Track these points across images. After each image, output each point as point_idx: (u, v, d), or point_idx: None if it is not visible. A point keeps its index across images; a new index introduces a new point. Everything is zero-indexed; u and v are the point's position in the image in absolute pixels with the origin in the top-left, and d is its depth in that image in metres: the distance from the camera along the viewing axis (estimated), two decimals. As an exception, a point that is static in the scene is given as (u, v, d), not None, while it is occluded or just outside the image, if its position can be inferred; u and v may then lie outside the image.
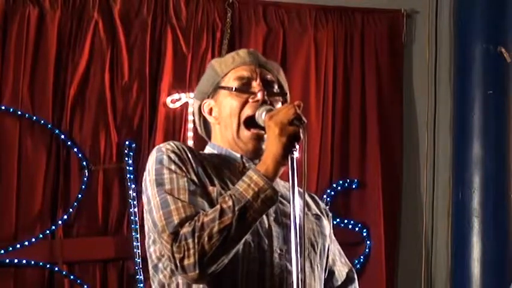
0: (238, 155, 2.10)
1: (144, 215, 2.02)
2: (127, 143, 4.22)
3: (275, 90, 2.13)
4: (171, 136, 4.31)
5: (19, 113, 4.10)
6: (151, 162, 2.01)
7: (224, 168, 2.06)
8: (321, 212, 2.20)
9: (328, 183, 4.54)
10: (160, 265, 2.01)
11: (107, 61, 4.25)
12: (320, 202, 2.26)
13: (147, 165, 2.02)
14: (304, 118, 1.91)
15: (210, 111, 2.16)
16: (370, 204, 4.61)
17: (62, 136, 4.15)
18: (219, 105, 2.13)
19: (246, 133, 2.08)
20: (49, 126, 4.14)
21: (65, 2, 4.21)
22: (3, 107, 4.09)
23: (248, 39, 4.50)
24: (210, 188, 1.96)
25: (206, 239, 1.83)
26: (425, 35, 4.82)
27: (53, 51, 4.18)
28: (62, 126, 4.17)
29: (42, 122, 4.13)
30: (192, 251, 1.83)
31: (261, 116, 2.00)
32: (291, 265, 1.92)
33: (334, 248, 2.23)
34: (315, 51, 4.59)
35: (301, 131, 1.90)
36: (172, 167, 1.96)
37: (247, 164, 2.09)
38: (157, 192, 1.94)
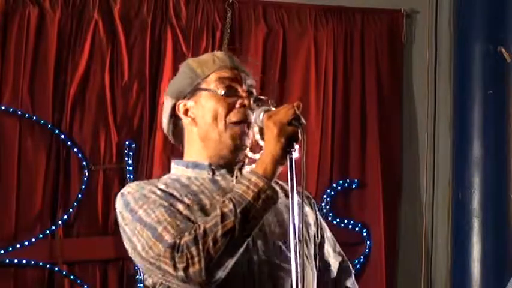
0: (206, 163, 2.08)
1: (133, 258, 2.00)
2: (127, 143, 4.22)
3: (256, 95, 2.10)
4: (171, 136, 4.30)
5: (19, 113, 4.10)
6: (120, 208, 2.02)
7: (192, 185, 2.05)
8: (303, 201, 2.19)
9: (328, 183, 4.53)
10: None
11: (107, 61, 4.25)
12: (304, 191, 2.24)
13: (117, 212, 2.04)
14: (303, 119, 1.91)
15: (186, 112, 2.13)
16: (370, 204, 4.61)
17: (62, 136, 4.15)
18: (200, 108, 2.09)
19: (236, 128, 2.05)
20: (49, 126, 4.14)
21: (65, 2, 4.20)
22: (3, 107, 4.08)
23: (248, 39, 4.50)
24: (180, 206, 1.96)
25: (211, 244, 1.83)
26: (425, 35, 4.82)
27: (53, 51, 4.17)
28: (62, 126, 4.17)
29: (42, 122, 4.13)
30: (196, 259, 1.83)
31: (259, 116, 1.99)
32: (278, 260, 1.95)
33: (327, 237, 2.22)
34: (315, 51, 4.59)
35: (299, 131, 1.90)
36: (140, 202, 1.97)
37: (216, 171, 2.08)
38: (140, 226, 1.93)
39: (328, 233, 2.24)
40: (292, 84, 4.55)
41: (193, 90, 2.12)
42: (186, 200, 1.98)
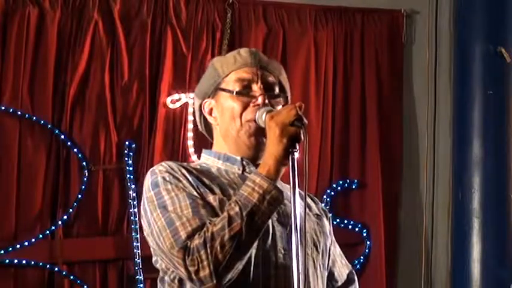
0: (238, 158, 2.10)
1: (146, 238, 2.02)
2: (127, 143, 4.21)
3: (276, 93, 2.13)
4: (171, 136, 4.31)
5: (19, 113, 4.10)
6: (148, 186, 2.01)
7: (222, 177, 2.06)
8: (320, 212, 2.21)
9: (328, 183, 4.54)
10: (166, 278, 2.02)
11: (107, 61, 4.25)
12: (318, 202, 2.27)
13: (144, 188, 2.03)
14: (305, 119, 1.91)
15: (211, 111, 2.17)
16: (370, 204, 4.61)
17: (62, 136, 4.15)
18: (220, 107, 2.13)
19: (251, 125, 2.06)
20: (49, 126, 4.14)
21: (65, 2, 4.20)
22: (3, 107, 4.08)
23: (248, 39, 4.50)
24: (211, 197, 1.96)
25: (218, 248, 1.84)
26: (425, 35, 4.83)
27: (53, 51, 4.17)
28: (62, 126, 4.17)
29: (42, 122, 4.12)
30: (205, 262, 1.84)
31: (262, 116, 2.00)
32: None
33: (334, 249, 2.24)
34: (315, 51, 4.59)
35: (302, 132, 1.90)
36: (169, 186, 1.97)
37: (247, 167, 2.09)
38: (160, 213, 1.94)
39: (337, 246, 2.26)
40: (292, 84, 4.51)
41: (215, 90, 2.15)
42: (217, 191, 1.99)
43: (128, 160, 4.19)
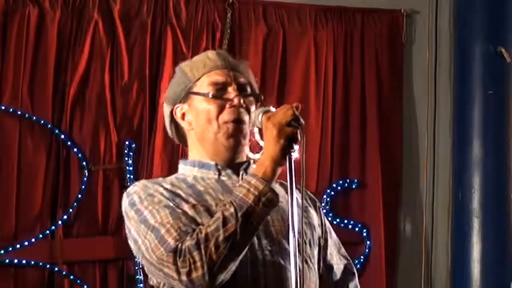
0: (212, 163, 2.09)
1: (136, 255, 2.01)
2: (127, 143, 4.22)
3: (248, 92, 2.12)
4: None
5: (19, 113, 4.10)
6: (126, 208, 2.02)
7: (198, 184, 2.06)
8: (308, 203, 2.19)
9: (328, 183, 4.54)
10: None
11: (107, 61, 4.25)
12: (308, 192, 2.24)
13: (123, 210, 2.04)
14: (302, 119, 1.91)
15: (183, 116, 2.15)
16: (370, 204, 4.61)
17: (62, 136, 4.15)
18: (194, 111, 2.11)
19: (229, 127, 2.06)
20: (49, 126, 4.14)
21: (65, 2, 4.21)
22: (3, 107, 4.08)
23: (248, 39, 4.50)
24: (186, 206, 1.96)
25: (213, 249, 1.83)
26: (425, 35, 4.82)
27: (53, 51, 4.18)
28: (62, 126, 4.17)
29: (42, 122, 4.13)
30: (199, 263, 1.83)
31: (258, 117, 1.99)
32: (284, 261, 1.94)
33: (331, 241, 2.22)
34: (315, 51, 4.59)
35: (299, 132, 1.89)
36: (146, 203, 1.98)
37: (222, 171, 2.09)
38: (144, 227, 1.94)
39: (333, 236, 2.24)
40: (292, 84, 4.55)
41: (186, 94, 2.13)
42: (191, 200, 1.99)
43: (128, 160, 4.19)
